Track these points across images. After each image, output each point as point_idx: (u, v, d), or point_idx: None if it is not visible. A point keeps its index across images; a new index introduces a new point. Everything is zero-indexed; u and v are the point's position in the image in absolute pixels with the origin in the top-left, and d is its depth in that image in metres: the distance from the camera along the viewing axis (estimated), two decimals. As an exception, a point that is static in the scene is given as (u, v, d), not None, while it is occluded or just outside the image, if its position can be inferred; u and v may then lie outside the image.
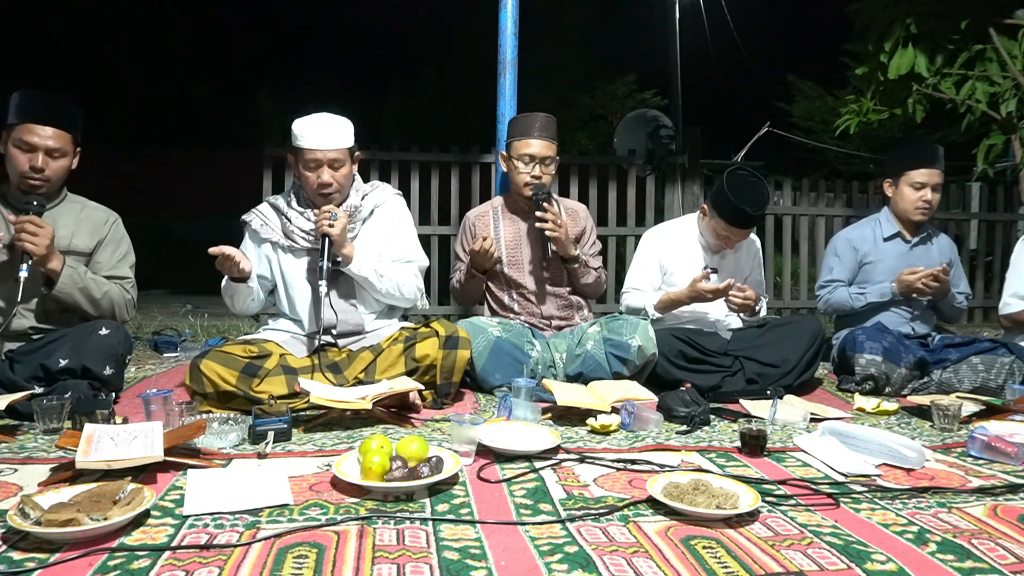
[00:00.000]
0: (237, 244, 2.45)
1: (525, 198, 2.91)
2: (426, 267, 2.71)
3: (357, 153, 2.55)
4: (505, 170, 2.99)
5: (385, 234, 2.61)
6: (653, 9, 11.36)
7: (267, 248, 2.55)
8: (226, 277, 2.42)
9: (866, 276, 3.16)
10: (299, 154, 2.45)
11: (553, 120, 2.93)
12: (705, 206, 2.88)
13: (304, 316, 2.51)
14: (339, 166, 2.46)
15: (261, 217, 2.56)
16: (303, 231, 2.50)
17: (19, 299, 2.16)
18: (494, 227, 3.00)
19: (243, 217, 2.61)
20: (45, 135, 2.26)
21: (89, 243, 2.41)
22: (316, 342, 2.43)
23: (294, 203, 2.54)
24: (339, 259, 2.43)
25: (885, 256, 3.14)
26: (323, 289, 2.36)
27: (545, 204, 2.80)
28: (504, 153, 2.98)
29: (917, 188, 3.04)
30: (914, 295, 3.02)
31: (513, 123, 2.97)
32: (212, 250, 2.28)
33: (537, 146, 2.85)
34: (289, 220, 2.51)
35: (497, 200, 3.10)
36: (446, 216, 5.18)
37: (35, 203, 2.23)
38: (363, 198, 2.58)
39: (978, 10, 4.13)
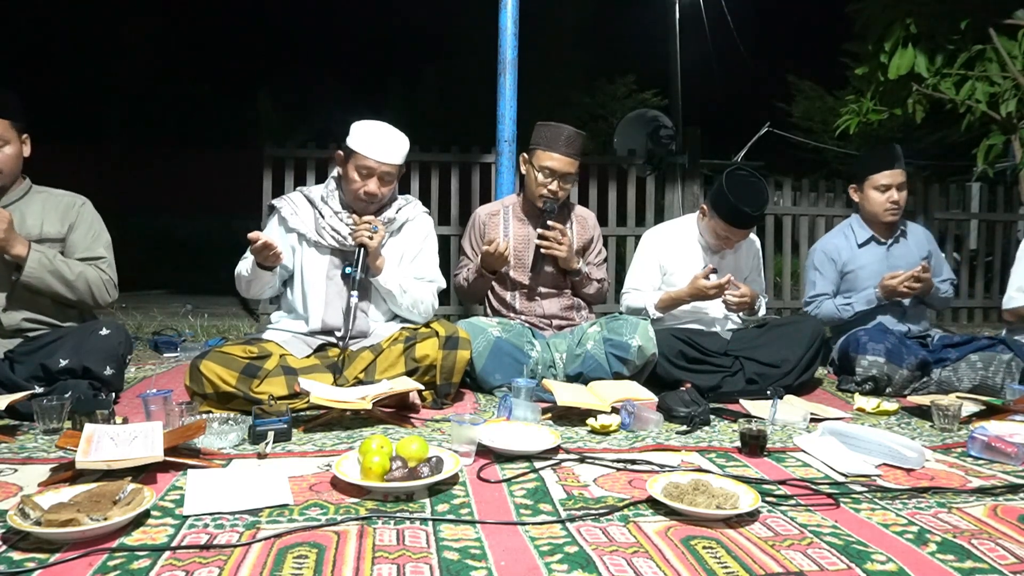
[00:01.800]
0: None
1: (537, 206, 2.90)
2: (443, 288, 2.71)
3: (402, 168, 2.55)
4: (523, 173, 2.94)
5: (411, 250, 2.63)
6: (653, 9, 11.36)
7: (292, 238, 2.54)
8: (252, 262, 2.39)
9: (850, 284, 3.15)
10: (352, 156, 2.44)
11: (582, 137, 2.88)
12: (705, 206, 2.88)
13: (311, 313, 2.49)
14: (389, 180, 2.48)
15: (292, 206, 2.55)
16: (335, 231, 2.49)
17: None
18: (503, 227, 2.98)
19: (273, 202, 2.61)
20: None
21: (60, 228, 2.39)
22: (345, 344, 2.40)
23: (332, 202, 2.54)
24: (368, 268, 2.44)
25: (865, 262, 3.13)
26: (354, 300, 2.38)
27: (551, 223, 2.79)
28: (525, 156, 2.92)
29: (882, 190, 3.05)
30: (898, 297, 3.02)
31: (541, 130, 2.87)
32: (251, 235, 2.28)
33: (560, 162, 2.81)
34: (323, 216, 2.51)
35: (509, 199, 3.09)
36: (446, 216, 5.18)
37: None
38: (398, 211, 2.59)
39: (978, 10, 4.13)
